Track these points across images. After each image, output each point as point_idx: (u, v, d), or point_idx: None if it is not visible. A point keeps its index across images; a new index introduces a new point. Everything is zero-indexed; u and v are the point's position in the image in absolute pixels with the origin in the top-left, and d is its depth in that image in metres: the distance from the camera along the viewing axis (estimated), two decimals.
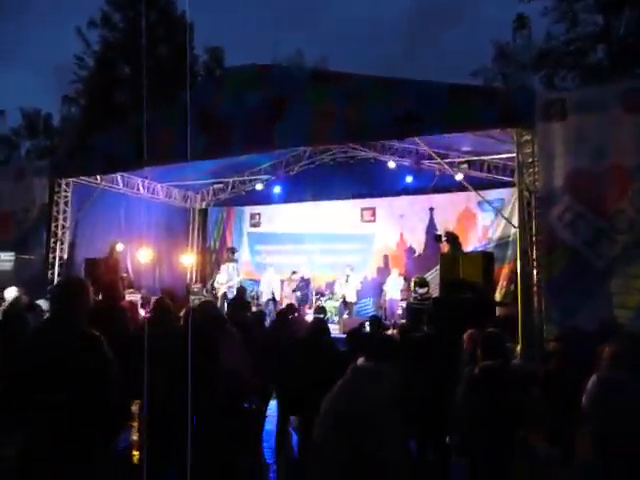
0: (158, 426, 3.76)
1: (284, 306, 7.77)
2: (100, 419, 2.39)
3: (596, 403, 3.54)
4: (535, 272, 7.54)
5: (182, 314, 4.48)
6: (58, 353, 2.35)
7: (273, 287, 13.28)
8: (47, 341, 2.42)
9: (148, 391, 3.79)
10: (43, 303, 6.66)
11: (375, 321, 5.51)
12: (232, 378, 3.92)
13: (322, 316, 11.72)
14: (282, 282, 13.59)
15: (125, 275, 12.39)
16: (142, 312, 10.87)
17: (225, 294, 13.13)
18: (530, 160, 7.80)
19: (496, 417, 3.13)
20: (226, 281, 13.40)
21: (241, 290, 7.41)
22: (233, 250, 14.91)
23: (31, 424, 2.36)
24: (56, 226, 11.53)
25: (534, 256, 7.62)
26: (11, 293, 6.16)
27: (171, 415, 3.60)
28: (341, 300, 12.58)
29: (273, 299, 12.95)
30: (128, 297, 11.30)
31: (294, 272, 13.37)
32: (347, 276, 12.63)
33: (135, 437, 5.43)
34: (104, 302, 4.71)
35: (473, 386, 3.49)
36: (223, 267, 14.07)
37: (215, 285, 13.72)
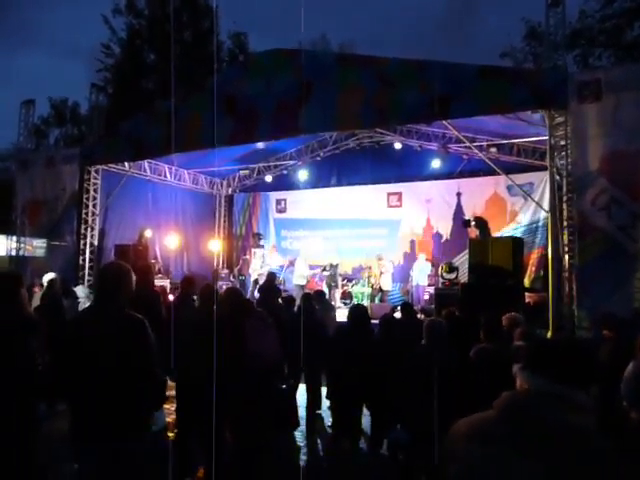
0: (192, 406, 3.84)
1: (310, 291, 7.77)
2: (146, 397, 2.45)
3: (633, 390, 3.48)
4: (567, 257, 7.41)
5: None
6: (105, 334, 2.41)
7: (304, 273, 13.21)
8: (94, 323, 2.47)
9: (183, 372, 3.88)
10: (79, 290, 6.83)
11: (407, 307, 5.47)
12: (258, 360, 3.96)
13: (348, 301, 11.79)
14: (310, 267, 13.56)
15: (154, 261, 12.57)
16: (171, 297, 11.07)
17: (257, 280, 13.22)
18: (562, 143, 7.63)
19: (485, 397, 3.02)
20: (259, 268, 13.51)
21: (271, 276, 7.41)
22: (259, 236, 14.99)
23: (79, 402, 2.43)
24: (86, 213, 11.73)
25: (565, 241, 7.49)
26: (49, 279, 6.30)
27: (203, 396, 3.67)
28: (378, 288, 12.50)
29: (305, 284, 12.93)
30: (158, 282, 11.49)
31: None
32: (380, 266, 12.56)
33: (169, 419, 5.55)
34: (138, 287, 4.76)
35: (470, 367, 3.44)
36: (258, 253, 14.16)
37: (250, 271, 13.84)
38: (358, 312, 4.66)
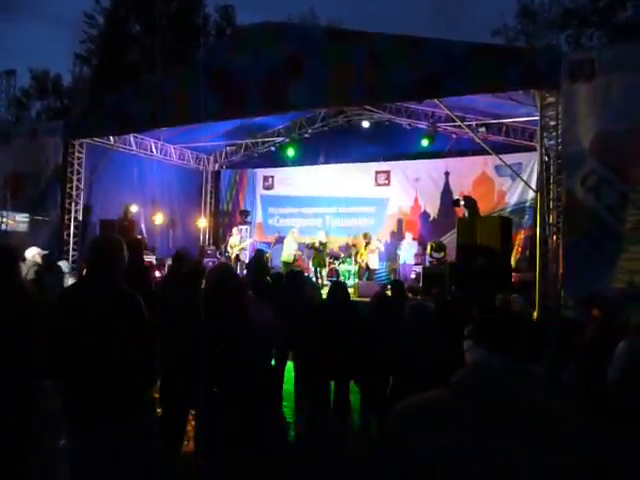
0: (184, 383, 3.83)
1: (291, 270, 7.73)
2: (140, 373, 2.41)
3: (624, 369, 3.53)
4: (554, 237, 7.46)
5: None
6: (97, 309, 2.36)
7: (293, 250, 13.13)
8: (87, 296, 2.41)
9: (174, 348, 3.85)
10: (63, 264, 6.72)
11: (397, 285, 5.46)
12: (261, 331, 3.96)
13: (342, 280, 11.79)
14: (299, 245, 13.49)
15: (140, 237, 12.43)
16: (157, 273, 11.00)
17: (237, 256, 13.16)
18: (552, 123, 7.63)
19: None
20: (238, 243, 13.41)
21: (259, 253, 7.33)
22: (246, 213, 14.88)
23: (73, 378, 2.39)
24: (70, 187, 11.53)
25: (552, 221, 7.54)
26: (31, 253, 6.20)
27: (199, 370, 3.68)
28: (364, 266, 12.44)
29: (294, 260, 12.88)
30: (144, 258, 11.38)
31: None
32: (366, 244, 12.50)
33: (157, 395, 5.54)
34: (128, 261, 4.68)
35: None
36: (235, 230, 14.06)
37: (228, 248, 13.71)
38: (336, 289, 4.70)
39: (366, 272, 12.44)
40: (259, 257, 7.12)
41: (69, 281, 6.34)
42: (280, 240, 14.15)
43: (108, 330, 2.32)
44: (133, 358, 2.36)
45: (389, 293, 5.36)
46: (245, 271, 8.80)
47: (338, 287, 4.82)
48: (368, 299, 5.64)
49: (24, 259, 6.32)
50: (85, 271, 2.58)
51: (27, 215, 11.84)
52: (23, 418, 2.70)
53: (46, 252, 6.95)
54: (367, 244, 12.41)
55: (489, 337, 1.44)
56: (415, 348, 3.56)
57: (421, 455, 1.31)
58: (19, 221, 11.97)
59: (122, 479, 2.40)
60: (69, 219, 11.52)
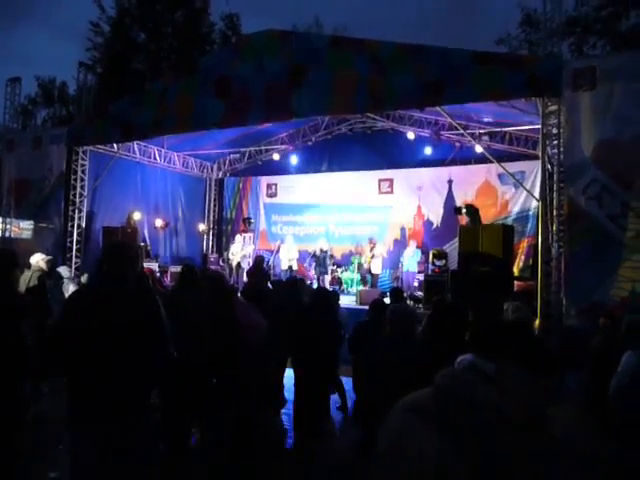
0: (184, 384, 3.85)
1: (291, 277, 7.71)
2: (144, 375, 2.43)
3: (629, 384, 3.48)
4: (556, 246, 7.42)
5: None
6: (111, 311, 2.39)
7: (291, 257, 13.20)
8: (100, 299, 2.44)
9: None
10: (63, 270, 6.74)
11: (396, 292, 5.44)
12: (252, 332, 3.97)
13: (337, 287, 11.81)
14: (300, 252, 13.52)
15: (143, 244, 12.47)
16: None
17: (239, 264, 13.17)
18: (555, 131, 7.61)
19: None
20: (240, 251, 13.43)
21: (258, 259, 7.33)
22: (249, 220, 14.91)
23: (75, 378, 2.40)
24: (74, 194, 11.56)
25: (554, 230, 7.51)
26: (36, 259, 6.22)
27: (196, 373, 3.69)
28: (366, 272, 12.44)
29: (290, 269, 12.91)
30: (146, 265, 11.41)
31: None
32: (372, 248, 12.53)
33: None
34: None
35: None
36: (237, 237, 14.09)
37: (229, 256, 13.73)
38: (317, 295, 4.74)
39: (367, 274, 12.46)
40: (259, 263, 7.12)
41: (70, 287, 6.34)
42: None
43: (117, 332, 2.35)
44: (139, 360, 2.37)
45: (388, 300, 5.36)
46: (246, 278, 8.77)
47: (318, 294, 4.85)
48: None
49: (29, 265, 6.35)
50: (101, 273, 2.59)
51: (31, 222, 11.87)
52: (19, 418, 2.70)
53: (50, 257, 6.96)
54: (372, 249, 12.46)
55: (476, 342, 1.49)
56: (393, 359, 3.32)
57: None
58: (23, 228, 12.00)
59: (122, 479, 2.40)
60: (72, 226, 11.54)
